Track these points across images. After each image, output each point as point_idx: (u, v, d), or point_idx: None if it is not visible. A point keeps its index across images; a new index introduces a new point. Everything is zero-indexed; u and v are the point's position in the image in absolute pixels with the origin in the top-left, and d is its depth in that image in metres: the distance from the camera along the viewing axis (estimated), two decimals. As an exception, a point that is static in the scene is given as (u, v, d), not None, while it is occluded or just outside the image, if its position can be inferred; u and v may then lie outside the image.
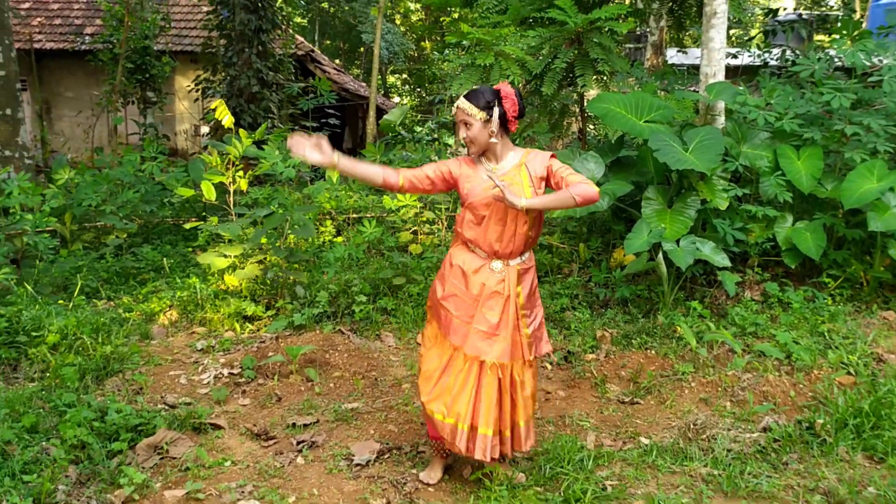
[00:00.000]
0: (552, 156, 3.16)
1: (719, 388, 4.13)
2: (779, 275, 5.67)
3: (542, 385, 4.43)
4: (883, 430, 3.39)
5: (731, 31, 11.35)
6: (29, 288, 5.20)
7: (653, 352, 4.70)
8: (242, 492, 3.13)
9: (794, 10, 18.18)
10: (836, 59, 6.31)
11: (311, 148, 3.03)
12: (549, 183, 3.12)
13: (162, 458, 3.41)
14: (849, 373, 4.12)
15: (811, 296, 5.30)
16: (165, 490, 3.12)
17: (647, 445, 3.55)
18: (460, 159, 3.22)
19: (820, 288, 5.43)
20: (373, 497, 3.14)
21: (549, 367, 4.74)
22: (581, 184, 2.96)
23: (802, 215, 5.72)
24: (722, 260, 5.21)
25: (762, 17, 10.62)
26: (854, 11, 16.41)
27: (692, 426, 3.68)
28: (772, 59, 9.09)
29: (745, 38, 11.00)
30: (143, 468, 3.31)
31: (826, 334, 4.70)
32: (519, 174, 3.10)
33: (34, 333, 4.55)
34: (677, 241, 5.23)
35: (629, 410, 4.08)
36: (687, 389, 4.20)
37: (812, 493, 2.97)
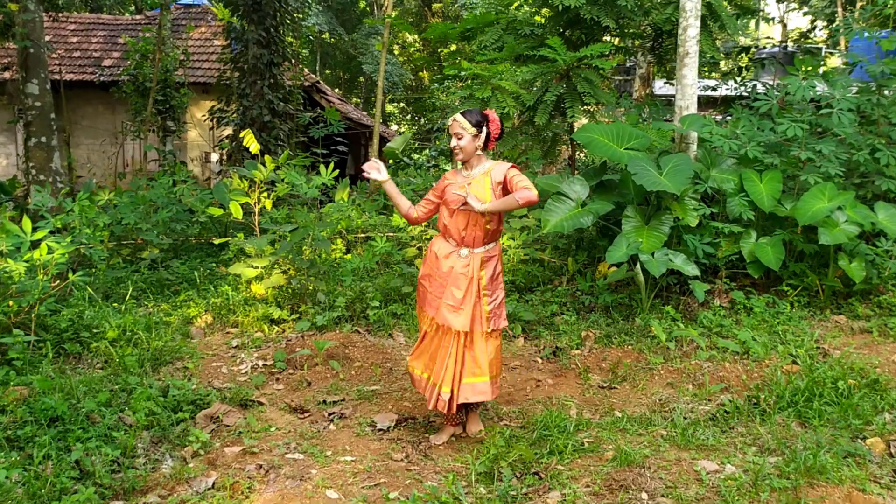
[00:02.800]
0: (512, 166, 3.94)
1: (684, 375, 4.85)
2: (745, 285, 6.39)
3: (532, 374, 5.16)
4: (814, 402, 4.10)
5: (723, 64, 12.15)
6: (90, 291, 5.92)
7: (630, 347, 5.42)
8: (288, 447, 3.84)
9: (779, 43, 19.10)
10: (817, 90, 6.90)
11: (374, 169, 4.00)
12: (505, 187, 3.89)
13: (217, 426, 4.11)
14: (794, 362, 4.84)
15: (772, 302, 6.01)
16: (225, 447, 3.82)
17: (619, 416, 4.26)
18: (445, 174, 4.07)
19: (781, 296, 6.15)
20: (394, 452, 3.84)
21: (539, 360, 5.45)
22: (524, 189, 3.72)
23: (764, 232, 6.43)
24: (692, 270, 5.93)
25: (728, 56, 11.49)
26: (838, 44, 17.32)
27: (658, 402, 4.40)
28: (745, 91, 9.90)
29: (725, 71, 11.85)
30: (204, 432, 4.00)
31: (781, 333, 5.42)
32: (484, 179, 3.92)
33: (95, 330, 5.26)
34: (653, 254, 5.95)
35: (607, 393, 4.79)
36: (657, 376, 4.91)
37: (749, 447, 3.68)
